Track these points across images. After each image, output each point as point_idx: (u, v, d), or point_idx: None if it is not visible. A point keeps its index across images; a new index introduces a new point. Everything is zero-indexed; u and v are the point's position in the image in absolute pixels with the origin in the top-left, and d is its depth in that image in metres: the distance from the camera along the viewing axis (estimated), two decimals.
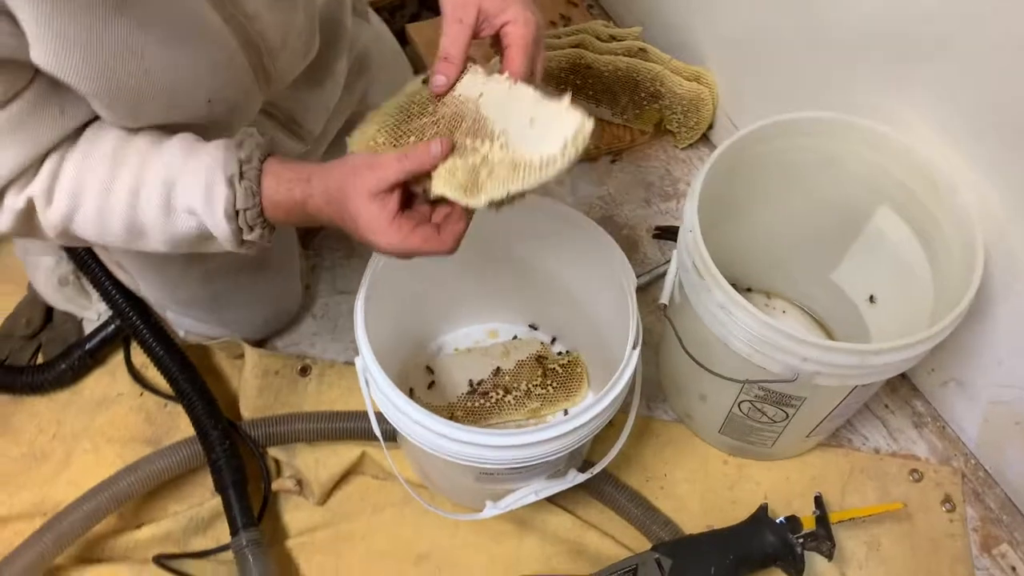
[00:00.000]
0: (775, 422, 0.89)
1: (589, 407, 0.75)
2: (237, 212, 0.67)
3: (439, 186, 0.65)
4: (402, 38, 1.34)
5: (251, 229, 0.68)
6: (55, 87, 0.62)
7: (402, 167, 0.63)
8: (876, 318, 0.98)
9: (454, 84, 0.69)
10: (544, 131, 0.63)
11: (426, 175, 0.65)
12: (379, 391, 0.76)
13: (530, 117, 0.65)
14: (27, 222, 0.68)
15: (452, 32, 0.68)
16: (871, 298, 0.98)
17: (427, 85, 0.71)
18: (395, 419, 0.76)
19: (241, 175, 0.66)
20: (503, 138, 0.65)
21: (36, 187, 0.65)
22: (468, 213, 0.66)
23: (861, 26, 0.90)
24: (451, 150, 0.65)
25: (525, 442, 0.73)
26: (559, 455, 0.76)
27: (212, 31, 0.67)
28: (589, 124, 0.62)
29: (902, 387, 1.06)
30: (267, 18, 0.71)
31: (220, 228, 0.67)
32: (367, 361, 0.76)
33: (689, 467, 1.00)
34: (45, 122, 0.64)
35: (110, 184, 0.66)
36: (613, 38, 1.22)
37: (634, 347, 0.79)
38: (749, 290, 1.11)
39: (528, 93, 0.66)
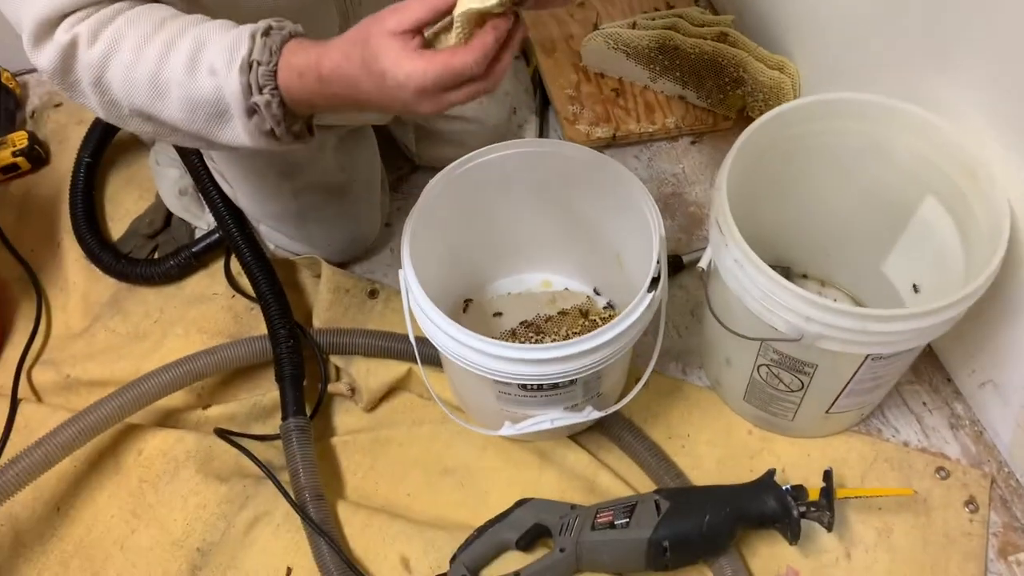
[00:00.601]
0: (792, 391, 0.92)
1: (593, 336, 0.81)
2: (251, 64, 0.66)
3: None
4: None
5: (260, 90, 0.66)
6: None
7: (424, 4, 0.61)
8: None
9: None
10: None
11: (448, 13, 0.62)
12: (414, 298, 0.85)
13: None
14: (67, 60, 0.69)
15: None
16: (915, 287, 0.98)
17: None
18: (423, 323, 0.85)
19: (266, 33, 0.67)
20: None
21: (85, 26, 0.67)
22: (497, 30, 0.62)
23: (929, 18, 0.92)
24: None
25: (531, 357, 0.80)
26: (565, 376, 0.83)
27: None
28: None
29: (945, 388, 1.06)
30: None
31: (232, 84, 0.66)
32: (407, 272, 0.86)
33: (713, 431, 1.04)
34: None
35: (150, 37, 0.68)
36: (706, 24, 1.26)
37: (648, 289, 0.84)
38: (805, 276, 1.13)
39: None
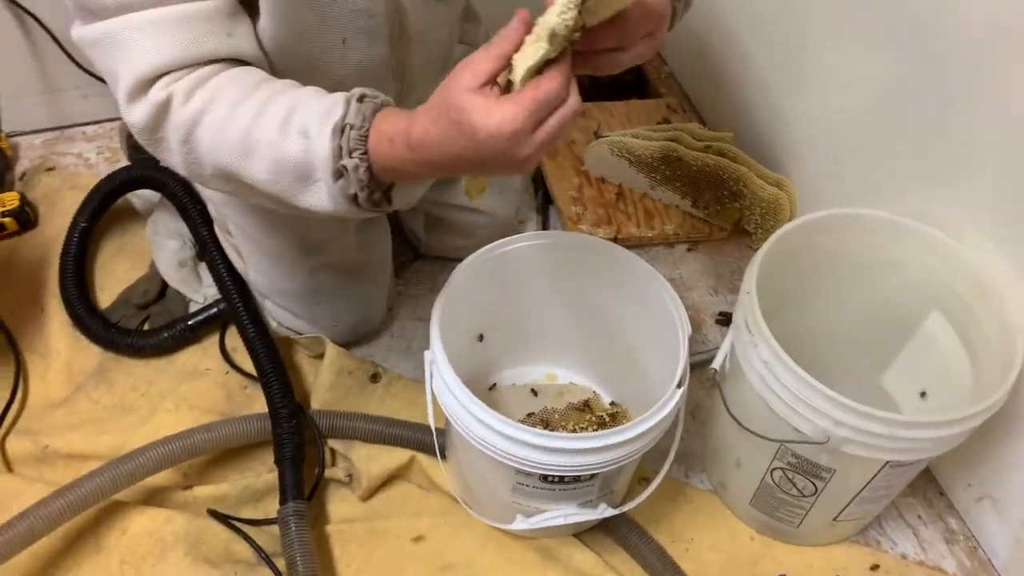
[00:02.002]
0: (804, 496, 0.93)
1: (624, 430, 0.81)
2: (344, 127, 0.67)
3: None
4: None
5: (350, 154, 0.67)
6: (236, 14, 0.71)
7: (489, 52, 0.62)
8: None
9: None
10: None
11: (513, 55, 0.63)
12: (440, 377, 0.84)
13: None
14: (159, 117, 0.70)
15: None
16: (922, 394, 1.01)
17: None
18: (449, 405, 0.83)
19: (360, 99, 0.69)
20: None
21: (183, 84, 0.69)
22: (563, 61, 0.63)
23: (927, 143, 0.98)
24: (529, 22, 0.63)
25: (561, 447, 0.79)
26: (590, 469, 0.82)
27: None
28: None
29: (939, 502, 1.08)
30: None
31: (323, 146, 0.67)
32: (435, 351, 0.85)
33: (716, 536, 1.03)
34: (212, 35, 0.70)
35: (244, 98, 0.69)
36: (705, 139, 1.32)
37: (678, 385, 0.85)
38: None
39: None
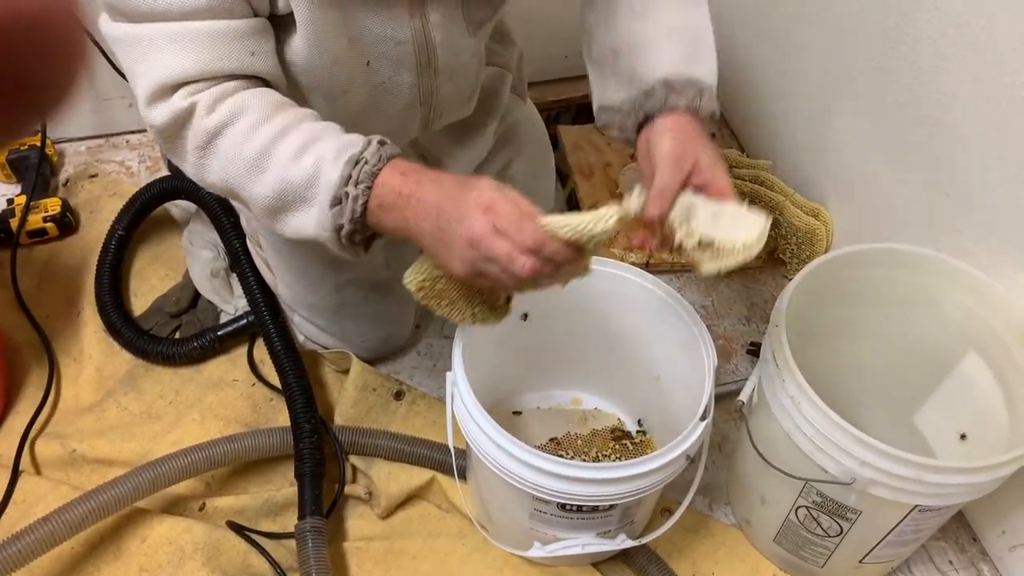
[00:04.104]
0: (829, 536, 0.90)
1: (643, 462, 0.79)
2: (359, 160, 0.70)
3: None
4: (552, 139, 1.48)
5: (356, 183, 0.69)
6: (261, 33, 0.73)
7: (524, 217, 0.66)
8: None
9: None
10: (733, 223, 0.73)
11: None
12: (461, 402, 0.83)
13: (713, 212, 0.74)
14: (179, 125, 0.73)
15: (668, 169, 0.74)
16: (963, 436, 0.98)
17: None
18: (469, 428, 0.83)
19: (382, 143, 0.72)
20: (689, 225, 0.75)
21: (206, 96, 0.71)
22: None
23: (974, 178, 0.96)
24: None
25: (579, 476, 0.78)
26: (609, 499, 0.81)
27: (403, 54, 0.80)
28: (768, 220, 0.73)
29: (971, 548, 1.04)
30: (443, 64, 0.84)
31: (334, 173, 0.70)
32: (457, 374, 0.84)
33: (738, 572, 1.01)
34: (235, 53, 0.72)
35: (268, 118, 0.72)
36: (743, 166, 1.31)
37: (702, 418, 0.84)
38: None
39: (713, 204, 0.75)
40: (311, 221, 0.73)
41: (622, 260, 1.27)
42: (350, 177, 0.69)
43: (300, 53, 0.77)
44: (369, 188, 0.70)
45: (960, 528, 1.06)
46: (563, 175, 1.44)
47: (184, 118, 0.72)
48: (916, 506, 0.82)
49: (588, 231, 0.68)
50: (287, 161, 0.71)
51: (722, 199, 0.75)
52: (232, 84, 0.73)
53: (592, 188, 1.38)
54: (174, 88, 0.71)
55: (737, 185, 1.26)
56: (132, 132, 1.52)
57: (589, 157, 1.43)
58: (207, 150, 0.73)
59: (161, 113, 0.72)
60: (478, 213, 0.65)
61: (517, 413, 1.11)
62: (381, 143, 0.71)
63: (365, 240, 0.75)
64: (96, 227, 1.32)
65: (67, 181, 1.41)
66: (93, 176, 1.42)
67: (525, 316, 1.00)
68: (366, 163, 0.69)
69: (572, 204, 1.39)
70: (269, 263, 1.08)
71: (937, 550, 1.04)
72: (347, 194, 0.70)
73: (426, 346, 1.21)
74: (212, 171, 0.74)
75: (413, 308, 1.17)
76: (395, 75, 0.84)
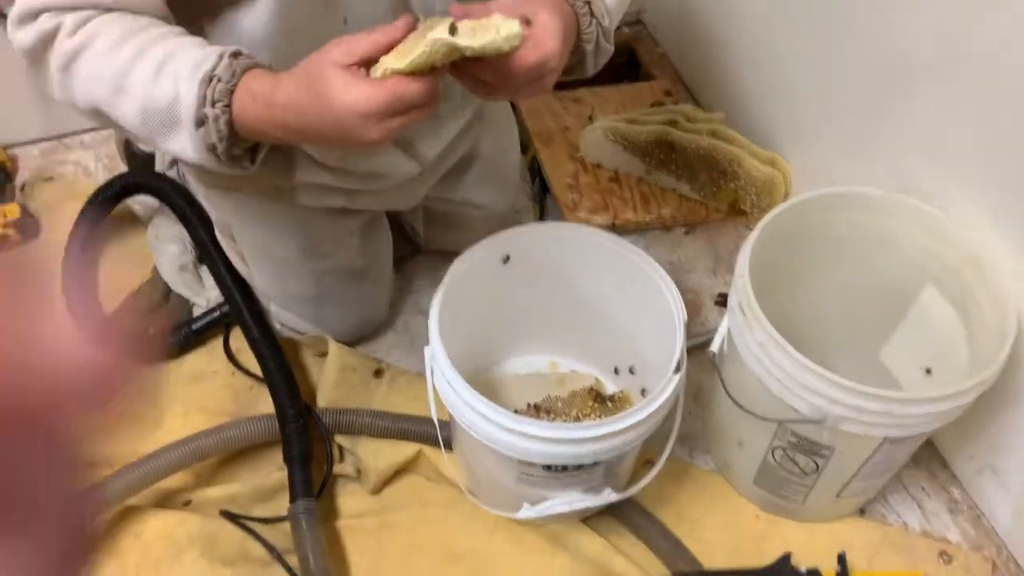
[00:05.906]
0: (806, 473, 0.94)
1: (622, 418, 0.82)
2: (211, 78, 0.69)
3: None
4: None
5: (213, 104, 0.69)
6: None
7: (367, 37, 0.65)
8: None
9: None
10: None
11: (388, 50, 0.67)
12: (441, 374, 0.85)
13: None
14: (43, 46, 0.72)
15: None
16: (928, 371, 1.01)
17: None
18: (451, 400, 0.85)
19: (234, 55, 0.71)
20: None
21: (71, 18, 0.71)
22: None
23: (924, 119, 0.99)
24: (414, 26, 0.68)
25: (562, 437, 0.81)
26: (594, 457, 0.83)
27: None
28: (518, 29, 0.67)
29: (942, 473, 1.09)
30: None
31: (189, 94, 0.69)
32: (435, 347, 0.86)
33: (721, 516, 1.05)
34: None
35: (125, 39, 0.71)
36: (699, 121, 1.33)
37: (676, 371, 0.86)
38: None
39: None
40: (187, 144, 0.73)
41: (587, 223, 1.30)
42: (206, 97, 0.69)
43: (261, 21, 0.76)
44: (228, 106, 0.70)
45: (930, 455, 1.10)
46: (523, 144, 1.45)
47: (48, 39, 0.72)
48: (886, 438, 0.85)
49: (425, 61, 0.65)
50: (147, 81, 0.70)
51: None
52: (100, 11, 0.72)
53: (553, 153, 1.40)
54: (44, 9, 0.71)
55: (693, 139, 1.28)
56: (86, 131, 1.49)
57: (547, 123, 1.44)
58: (67, 72, 0.73)
59: (27, 34, 0.72)
60: (348, 93, 0.64)
61: (494, 378, 1.13)
62: (234, 55, 0.71)
63: (249, 151, 0.76)
64: (57, 230, 1.31)
65: (24, 186, 1.39)
66: (50, 179, 1.40)
67: (507, 259, 1.01)
68: (219, 80, 0.69)
69: (535, 172, 1.40)
70: (244, 255, 1.09)
71: (910, 478, 1.08)
72: (207, 115, 0.70)
73: (402, 324, 1.22)
74: (76, 94, 0.74)
75: (388, 289, 1.18)
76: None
